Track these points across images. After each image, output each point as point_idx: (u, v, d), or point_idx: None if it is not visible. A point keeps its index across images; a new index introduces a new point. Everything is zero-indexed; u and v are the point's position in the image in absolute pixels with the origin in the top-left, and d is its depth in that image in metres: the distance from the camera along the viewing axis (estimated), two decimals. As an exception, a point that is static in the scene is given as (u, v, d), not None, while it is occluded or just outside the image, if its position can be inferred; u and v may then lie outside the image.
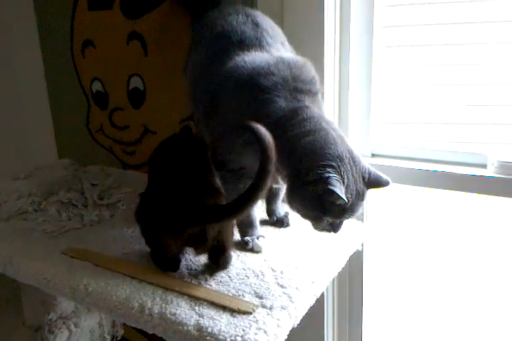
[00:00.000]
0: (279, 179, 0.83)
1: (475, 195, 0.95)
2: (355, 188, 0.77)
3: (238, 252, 0.88)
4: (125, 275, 0.80)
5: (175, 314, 0.70)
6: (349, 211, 0.77)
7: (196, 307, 0.71)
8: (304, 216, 0.81)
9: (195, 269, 0.82)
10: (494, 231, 1.06)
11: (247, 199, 0.68)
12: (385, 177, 0.80)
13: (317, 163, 0.75)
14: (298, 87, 0.81)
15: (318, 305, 1.16)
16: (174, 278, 0.79)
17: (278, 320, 0.69)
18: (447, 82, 1.00)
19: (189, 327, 0.67)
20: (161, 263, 0.82)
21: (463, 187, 0.96)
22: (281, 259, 0.85)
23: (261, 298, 0.74)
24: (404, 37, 1.03)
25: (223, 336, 0.65)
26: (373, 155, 1.11)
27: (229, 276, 0.80)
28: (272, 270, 0.82)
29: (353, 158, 0.78)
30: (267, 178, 0.67)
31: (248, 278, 0.79)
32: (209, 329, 0.66)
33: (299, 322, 0.73)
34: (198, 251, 0.79)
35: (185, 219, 0.72)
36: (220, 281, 0.78)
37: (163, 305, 0.72)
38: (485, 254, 1.08)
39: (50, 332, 1.13)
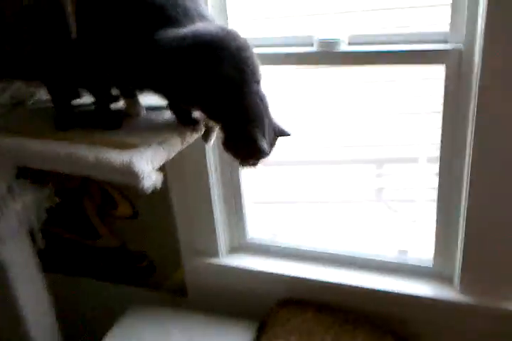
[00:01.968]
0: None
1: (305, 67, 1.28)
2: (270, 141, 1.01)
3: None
4: (38, 138, 1.04)
5: (77, 153, 0.96)
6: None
7: (94, 149, 0.97)
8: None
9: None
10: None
11: None
12: (287, 129, 1.04)
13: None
14: None
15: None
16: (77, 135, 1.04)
17: (155, 151, 0.97)
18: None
19: (89, 158, 0.94)
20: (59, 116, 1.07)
21: (296, 61, 1.27)
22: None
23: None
24: None
25: (114, 160, 0.92)
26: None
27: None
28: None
29: (270, 120, 1.00)
30: None
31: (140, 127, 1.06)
32: (104, 158, 0.93)
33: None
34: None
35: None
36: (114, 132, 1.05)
37: (69, 150, 0.97)
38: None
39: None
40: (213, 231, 1.54)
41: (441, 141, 1.26)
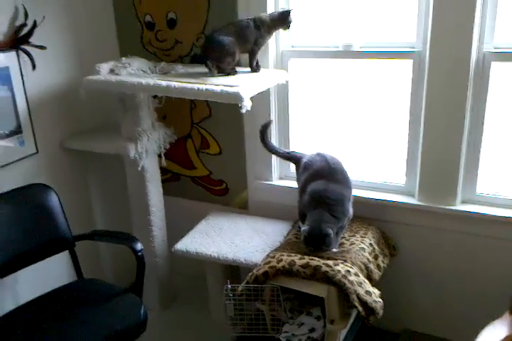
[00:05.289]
0: None
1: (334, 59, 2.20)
2: None
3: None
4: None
5: (210, 87, 1.90)
6: None
7: (220, 86, 1.91)
8: None
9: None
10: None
11: None
12: None
13: None
14: None
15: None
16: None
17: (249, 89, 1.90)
18: None
19: (217, 90, 1.88)
20: None
21: (331, 56, 2.20)
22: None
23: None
24: None
25: (230, 91, 1.86)
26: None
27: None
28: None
29: None
30: None
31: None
32: (224, 90, 1.87)
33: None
34: None
35: None
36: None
37: (206, 87, 1.92)
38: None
39: (139, 140, 2.31)
40: (270, 163, 2.45)
41: (410, 110, 2.15)
